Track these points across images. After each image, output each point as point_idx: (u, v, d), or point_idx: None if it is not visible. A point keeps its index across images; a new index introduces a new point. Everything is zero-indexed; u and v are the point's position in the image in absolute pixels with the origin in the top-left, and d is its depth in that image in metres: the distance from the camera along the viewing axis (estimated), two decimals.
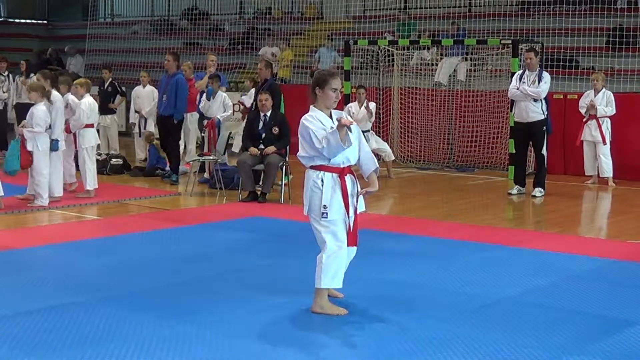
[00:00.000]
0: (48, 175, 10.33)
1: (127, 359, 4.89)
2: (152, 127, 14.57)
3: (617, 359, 5.03)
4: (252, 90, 13.57)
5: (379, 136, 14.56)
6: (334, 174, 5.78)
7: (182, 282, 6.77)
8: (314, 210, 5.77)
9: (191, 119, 14.18)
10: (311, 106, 5.90)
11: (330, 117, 5.84)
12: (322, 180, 5.76)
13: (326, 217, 5.74)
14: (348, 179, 5.83)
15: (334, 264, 5.76)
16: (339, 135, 5.56)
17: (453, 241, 8.56)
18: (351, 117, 13.68)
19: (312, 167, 5.83)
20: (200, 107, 13.20)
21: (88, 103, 11.04)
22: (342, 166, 5.80)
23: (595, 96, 12.91)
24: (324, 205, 5.74)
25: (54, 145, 10.40)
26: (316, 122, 5.75)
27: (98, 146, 11.77)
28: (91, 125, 11.13)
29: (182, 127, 13.11)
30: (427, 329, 5.50)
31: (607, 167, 12.85)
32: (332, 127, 5.71)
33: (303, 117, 5.81)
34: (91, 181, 11.05)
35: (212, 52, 15.15)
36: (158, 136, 13.56)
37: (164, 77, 12.81)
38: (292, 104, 14.11)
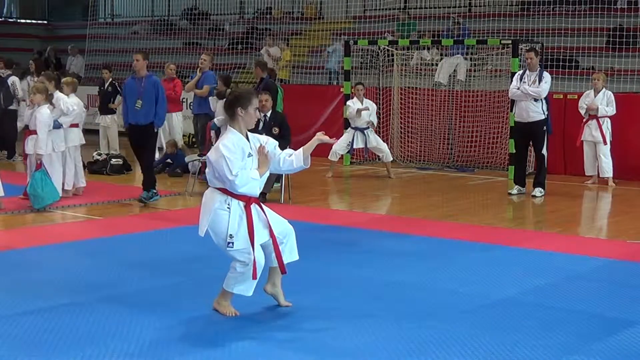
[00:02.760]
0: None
1: (127, 359, 4.89)
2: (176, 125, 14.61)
3: (617, 359, 5.03)
4: None
5: (379, 136, 14.55)
6: (240, 202, 5.63)
7: (182, 282, 6.78)
8: (219, 236, 5.63)
9: (176, 118, 14.39)
10: (231, 129, 5.67)
11: (247, 138, 5.69)
12: (228, 206, 5.62)
13: (232, 247, 5.60)
14: (253, 208, 5.68)
15: (245, 275, 5.67)
16: (258, 172, 5.57)
17: (453, 241, 8.56)
18: (350, 113, 13.69)
19: (218, 189, 5.65)
20: (211, 107, 13.28)
21: (75, 102, 11.03)
22: (249, 195, 5.66)
23: (595, 96, 12.91)
24: (230, 235, 5.58)
25: (55, 124, 10.39)
26: (237, 151, 5.55)
27: (96, 146, 11.76)
28: (76, 125, 11.12)
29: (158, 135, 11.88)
30: (427, 329, 5.50)
31: (607, 167, 12.85)
32: (250, 154, 5.62)
33: (221, 143, 5.59)
34: (70, 181, 11.03)
35: (207, 52, 15.16)
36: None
37: (132, 80, 10.94)
38: (291, 104, 14.16)
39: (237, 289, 5.72)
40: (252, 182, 5.60)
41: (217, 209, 5.62)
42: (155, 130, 10.88)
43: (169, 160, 14.10)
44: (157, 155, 15.12)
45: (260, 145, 5.73)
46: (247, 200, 5.65)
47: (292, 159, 5.82)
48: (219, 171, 5.55)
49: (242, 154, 5.59)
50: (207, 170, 5.79)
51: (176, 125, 14.52)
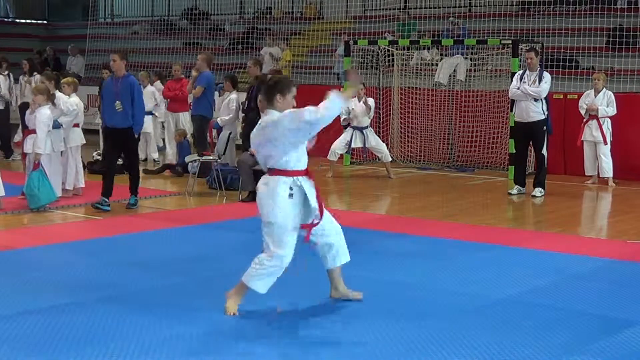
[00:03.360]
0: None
1: (127, 359, 4.89)
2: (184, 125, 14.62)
3: (617, 359, 5.03)
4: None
5: (379, 136, 14.54)
6: (300, 177, 5.71)
7: (182, 282, 6.77)
8: (283, 218, 5.64)
9: (183, 118, 14.38)
10: (270, 110, 5.71)
11: None
12: (291, 188, 5.66)
13: (319, 220, 5.71)
14: (308, 183, 5.77)
15: (275, 274, 5.73)
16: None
17: (453, 241, 8.56)
18: (350, 113, 13.66)
19: (281, 174, 5.67)
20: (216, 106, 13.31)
21: (75, 102, 11.04)
22: (303, 169, 5.75)
23: (595, 96, 12.92)
24: (315, 207, 5.69)
25: (55, 124, 10.37)
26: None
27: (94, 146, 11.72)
28: (77, 125, 11.12)
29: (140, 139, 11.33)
30: (427, 329, 5.50)
31: (607, 167, 12.85)
32: None
33: (277, 115, 5.62)
34: (71, 181, 11.05)
35: (202, 52, 15.16)
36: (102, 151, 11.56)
37: (110, 81, 10.45)
38: None
39: (254, 284, 5.72)
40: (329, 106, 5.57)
41: (281, 191, 5.64)
42: (136, 136, 10.44)
43: (169, 162, 14.12)
44: (156, 156, 15.20)
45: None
46: (305, 173, 5.73)
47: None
48: (302, 125, 5.51)
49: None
50: (263, 155, 5.73)
51: (184, 125, 14.47)
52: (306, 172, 5.79)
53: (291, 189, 5.68)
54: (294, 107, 5.72)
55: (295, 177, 5.70)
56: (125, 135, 10.22)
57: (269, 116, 5.72)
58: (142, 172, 13.86)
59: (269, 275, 5.72)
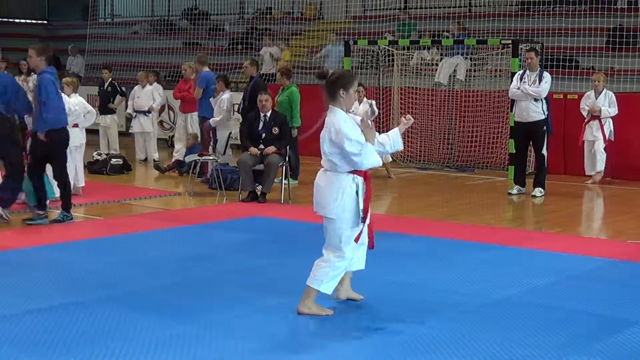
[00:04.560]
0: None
1: (127, 359, 4.89)
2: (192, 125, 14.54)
3: (617, 359, 5.03)
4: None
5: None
6: (361, 178, 5.71)
7: (182, 282, 6.77)
8: (348, 215, 5.63)
9: (190, 119, 14.30)
10: (334, 107, 5.68)
11: None
12: (357, 185, 5.65)
13: (364, 223, 5.68)
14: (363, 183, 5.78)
15: (339, 271, 5.75)
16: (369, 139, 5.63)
17: (453, 241, 8.56)
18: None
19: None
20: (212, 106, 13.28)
21: (76, 102, 11.03)
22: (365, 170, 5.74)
23: (597, 98, 12.93)
24: (363, 210, 5.65)
25: None
26: (354, 129, 5.61)
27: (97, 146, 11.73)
28: (76, 125, 11.10)
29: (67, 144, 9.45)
30: (427, 329, 5.50)
31: (600, 160, 12.92)
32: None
33: (338, 123, 5.57)
34: (71, 181, 11.06)
35: (200, 52, 15.12)
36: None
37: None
38: None
39: (324, 286, 5.69)
40: (374, 155, 5.66)
41: (348, 190, 5.63)
42: (43, 138, 8.90)
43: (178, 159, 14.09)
44: (156, 156, 15.19)
45: (362, 118, 5.79)
46: (364, 175, 5.72)
47: (384, 142, 5.85)
48: (345, 153, 5.54)
49: (358, 128, 5.65)
50: (329, 156, 5.65)
51: (192, 126, 14.39)
52: (364, 174, 5.77)
53: (357, 185, 5.70)
54: (356, 100, 5.84)
55: (355, 175, 5.73)
56: (35, 139, 9.05)
57: (333, 115, 5.66)
58: (154, 167, 14.00)
59: (338, 276, 5.75)
